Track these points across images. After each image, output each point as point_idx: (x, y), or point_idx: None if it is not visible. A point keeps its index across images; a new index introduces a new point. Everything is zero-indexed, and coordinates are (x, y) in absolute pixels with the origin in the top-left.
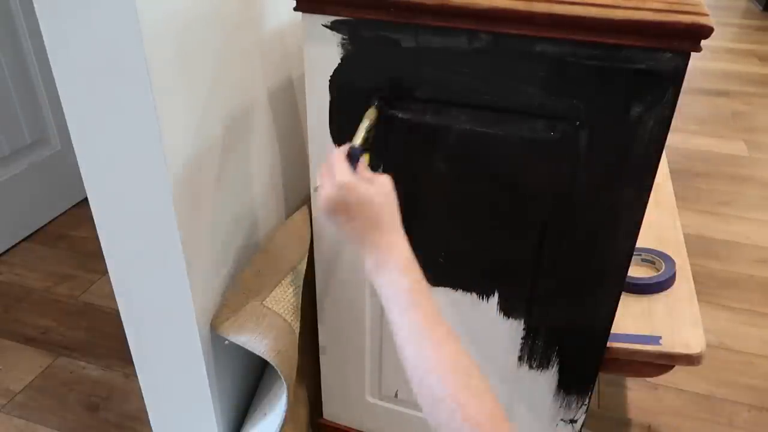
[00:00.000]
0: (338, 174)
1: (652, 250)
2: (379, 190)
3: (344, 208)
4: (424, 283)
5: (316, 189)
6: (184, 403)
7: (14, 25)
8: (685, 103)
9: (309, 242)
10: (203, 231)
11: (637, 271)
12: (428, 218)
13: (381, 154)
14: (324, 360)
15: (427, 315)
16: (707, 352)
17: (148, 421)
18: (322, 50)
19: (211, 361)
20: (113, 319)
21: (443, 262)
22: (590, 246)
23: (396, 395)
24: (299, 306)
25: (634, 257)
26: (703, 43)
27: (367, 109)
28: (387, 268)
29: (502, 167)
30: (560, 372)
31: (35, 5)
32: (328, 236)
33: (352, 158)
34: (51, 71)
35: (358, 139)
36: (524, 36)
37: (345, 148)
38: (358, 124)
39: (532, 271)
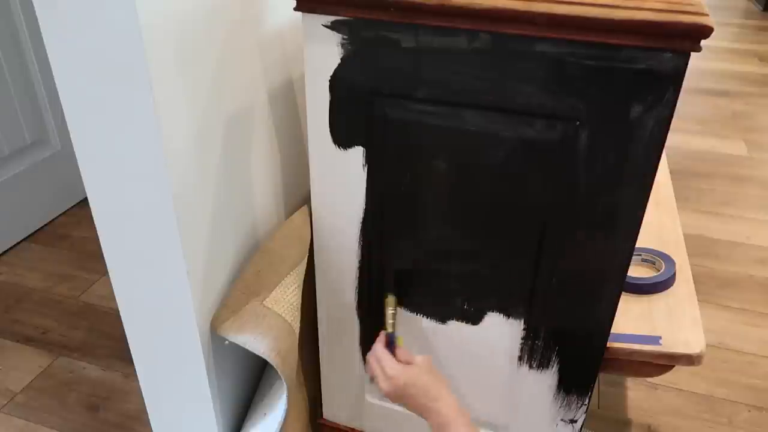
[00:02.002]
0: (387, 369)
1: (652, 250)
2: (420, 369)
3: (401, 394)
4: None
5: (371, 380)
6: (184, 403)
7: (14, 25)
8: (685, 103)
9: (309, 242)
10: (203, 231)
11: (637, 271)
12: (428, 218)
13: (381, 154)
14: (324, 360)
15: None
16: (707, 352)
17: (148, 421)
18: (322, 50)
19: (211, 361)
20: (113, 319)
21: (443, 262)
22: (590, 246)
23: None
24: (299, 306)
25: (634, 257)
26: (703, 43)
27: (384, 281)
28: (448, 428)
29: (502, 167)
30: (560, 372)
31: (35, 5)
32: (328, 236)
33: (390, 344)
34: (51, 71)
35: (389, 326)
36: (524, 36)
37: (383, 337)
38: (385, 313)
39: (532, 271)
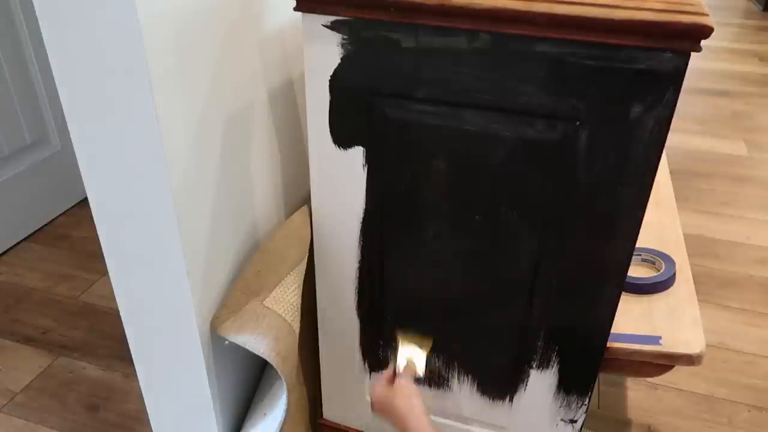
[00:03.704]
0: (372, 391)
1: (652, 250)
2: (396, 393)
3: (378, 412)
4: None
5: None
6: (184, 403)
7: (14, 25)
8: (685, 103)
9: (309, 242)
10: (203, 231)
11: (637, 271)
12: (428, 218)
13: (381, 154)
14: (324, 360)
15: None
16: (707, 352)
17: (148, 421)
18: (322, 50)
19: (211, 361)
20: (113, 319)
21: (442, 262)
22: (590, 246)
23: None
24: (299, 306)
25: (634, 257)
26: (703, 43)
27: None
28: None
29: (502, 167)
30: (560, 372)
31: (35, 5)
32: (328, 236)
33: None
34: (51, 71)
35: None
36: (524, 36)
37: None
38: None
39: (532, 271)
